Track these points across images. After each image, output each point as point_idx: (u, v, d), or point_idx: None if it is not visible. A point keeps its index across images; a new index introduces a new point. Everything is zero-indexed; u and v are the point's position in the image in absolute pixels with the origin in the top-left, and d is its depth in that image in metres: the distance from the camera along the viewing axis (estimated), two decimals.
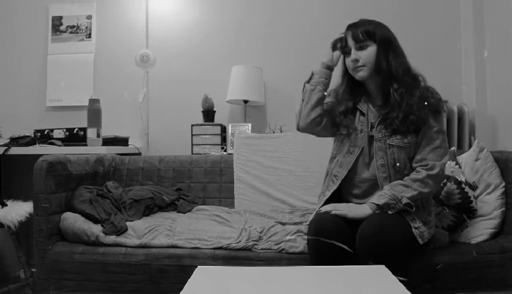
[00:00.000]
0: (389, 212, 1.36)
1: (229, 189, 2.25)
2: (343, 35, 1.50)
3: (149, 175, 2.30)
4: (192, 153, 2.51)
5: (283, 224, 1.76)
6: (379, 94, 1.50)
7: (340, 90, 1.56)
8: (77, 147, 2.28)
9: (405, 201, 1.36)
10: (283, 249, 1.58)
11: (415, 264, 1.42)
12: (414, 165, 1.45)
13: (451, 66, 2.63)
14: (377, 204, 1.37)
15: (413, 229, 1.36)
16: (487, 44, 2.47)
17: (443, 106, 1.46)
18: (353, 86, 1.54)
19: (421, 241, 1.37)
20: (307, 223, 1.49)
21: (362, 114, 1.52)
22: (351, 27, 1.48)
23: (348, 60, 1.48)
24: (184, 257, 1.58)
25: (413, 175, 1.42)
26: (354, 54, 1.45)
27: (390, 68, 1.42)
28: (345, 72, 1.55)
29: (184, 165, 2.31)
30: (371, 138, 1.48)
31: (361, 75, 1.46)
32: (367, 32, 1.43)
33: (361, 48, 1.44)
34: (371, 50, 1.43)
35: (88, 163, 1.98)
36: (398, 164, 1.44)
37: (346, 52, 1.49)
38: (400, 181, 1.41)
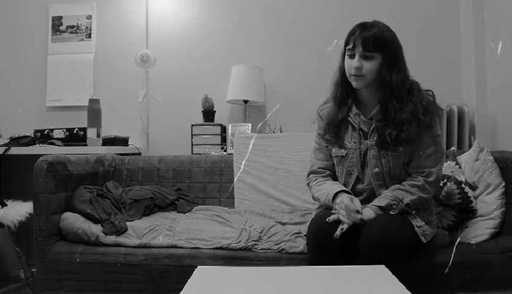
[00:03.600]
0: (391, 213, 1.36)
1: (229, 189, 2.25)
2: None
3: (149, 175, 2.29)
4: (192, 153, 2.51)
5: (283, 224, 1.76)
6: (373, 103, 1.47)
7: (333, 104, 1.52)
8: (77, 147, 2.28)
9: (406, 201, 1.36)
10: (283, 249, 1.58)
11: (415, 264, 1.42)
12: (410, 171, 1.45)
13: (451, 66, 2.63)
14: (379, 206, 1.37)
15: (416, 228, 1.36)
16: (487, 44, 2.47)
17: (438, 120, 1.44)
18: (346, 93, 1.50)
19: (424, 240, 1.37)
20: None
21: (354, 128, 1.49)
22: (363, 30, 1.38)
23: (350, 63, 1.42)
24: (184, 257, 1.58)
25: (411, 181, 1.42)
26: (358, 61, 1.39)
27: (392, 83, 1.39)
28: (342, 79, 1.49)
29: (184, 165, 2.31)
30: (364, 153, 1.46)
31: (357, 84, 1.42)
32: (378, 41, 1.36)
33: (366, 57, 1.38)
34: (375, 63, 1.38)
35: (88, 163, 1.98)
36: (393, 172, 1.43)
37: (349, 54, 1.42)
38: (398, 185, 1.41)
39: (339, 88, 1.51)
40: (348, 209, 1.32)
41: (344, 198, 1.36)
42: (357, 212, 1.32)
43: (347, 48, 1.43)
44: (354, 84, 1.44)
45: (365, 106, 1.50)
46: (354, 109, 1.49)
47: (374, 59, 1.39)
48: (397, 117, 1.38)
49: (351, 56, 1.42)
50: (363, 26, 1.40)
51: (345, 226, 1.31)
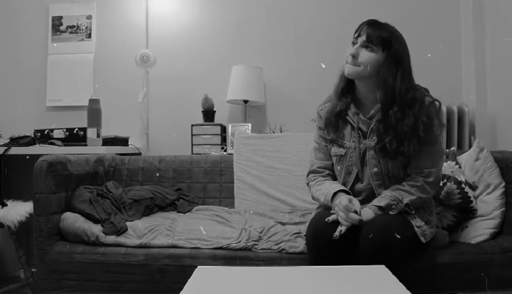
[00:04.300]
0: (391, 213, 1.36)
1: (229, 189, 2.25)
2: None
3: (149, 175, 2.29)
4: (192, 153, 2.51)
5: (283, 224, 1.76)
6: (372, 103, 1.46)
7: (334, 96, 1.52)
8: (77, 147, 2.28)
9: (405, 201, 1.36)
10: (283, 249, 1.58)
11: (415, 264, 1.42)
12: (409, 171, 1.45)
13: (451, 66, 2.63)
14: (379, 206, 1.36)
15: (415, 228, 1.36)
16: (487, 44, 2.47)
17: (440, 130, 1.43)
18: (347, 87, 1.50)
19: (423, 240, 1.37)
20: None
21: (353, 127, 1.49)
22: (372, 24, 1.39)
23: (347, 51, 1.42)
24: (184, 257, 1.58)
25: (411, 181, 1.41)
26: (356, 49, 1.39)
27: (394, 87, 1.37)
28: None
29: (184, 165, 2.31)
30: (363, 153, 1.46)
31: (350, 72, 1.41)
32: (383, 38, 1.36)
33: (366, 47, 1.38)
34: (374, 56, 1.37)
35: (88, 163, 1.98)
36: (392, 172, 1.43)
37: (352, 41, 1.42)
38: (398, 186, 1.41)
39: (341, 80, 1.51)
40: (346, 210, 1.32)
41: (343, 199, 1.35)
42: (356, 212, 1.31)
43: (353, 36, 1.43)
44: (346, 71, 1.43)
45: (364, 106, 1.50)
46: (353, 108, 1.49)
47: (374, 52, 1.38)
48: (398, 128, 1.37)
49: (353, 43, 1.42)
50: (374, 21, 1.41)
51: (343, 228, 1.30)
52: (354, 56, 1.39)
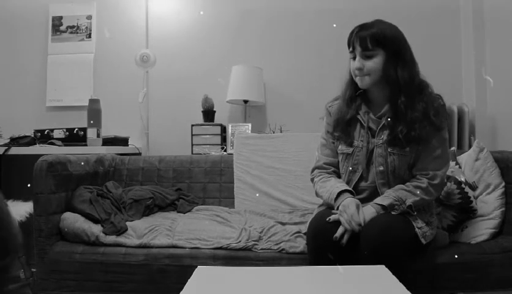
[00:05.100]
0: (393, 213, 1.35)
1: (229, 189, 2.25)
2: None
3: (149, 175, 2.29)
4: (192, 153, 2.51)
5: (283, 224, 1.76)
6: (382, 102, 1.47)
7: (342, 103, 1.52)
8: (77, 147, 2.28)
9: (409, 202, 1.36)
10: (283, 249, 1.58)
11: (415, 264, 1.42)
12: (414, 172, 1.45)
13: (451, 66, 2.63)
14: (381, 205, 1.36)
15: (416, 229, 1.36)
16: (487, 44, 2.47)
17: (446, 124, 1.44)
18: (354, 92, 1.50)
19: (424, 241, 1.37)
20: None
21: (362, 126, 1.49)
22: (360, 30, 1.39)
23: (352, 65, 1.43)
24: (184, 257, 1.58)
25: (415, 182, 1.41)
26: (359, 61, 1.40)
27: (397, 79, 1.38)
28: (351, 80, 1.50)
29: (184, 165, 2.31)
30: (371, 151, 1.46)
31: (362, 84, 1.43)
32: (377, 39, 1.36)
33: (366, 56, 1.39)
34: (378, 60, 1.38)
35: (88, 163, 1.98)
36: (398, 171, 1.43)
37: (351, 56, 1.44)
38: (402, 186, 1.41)
39: (348, 88, 1.52)
40: (352, 218, 1.32)
41: (351, 205, 1.35)
42: (360, 225, 1.31)
43: (349, 50, 1.44)
44: (359, 84, 1.44)
45: (374, 105, 1.50)
46: (364, 108, 1.49)
47: (375, 57, 1.39)
48: (408, 115, 1.38)
49: (354, 58, 1.43)
50: (361, 27, 1.41)
51: (345, 239, 1.30)
52: (361, 69, 1.40)
